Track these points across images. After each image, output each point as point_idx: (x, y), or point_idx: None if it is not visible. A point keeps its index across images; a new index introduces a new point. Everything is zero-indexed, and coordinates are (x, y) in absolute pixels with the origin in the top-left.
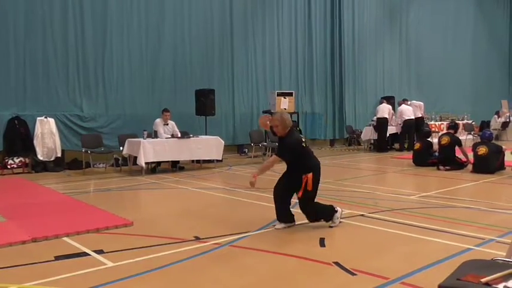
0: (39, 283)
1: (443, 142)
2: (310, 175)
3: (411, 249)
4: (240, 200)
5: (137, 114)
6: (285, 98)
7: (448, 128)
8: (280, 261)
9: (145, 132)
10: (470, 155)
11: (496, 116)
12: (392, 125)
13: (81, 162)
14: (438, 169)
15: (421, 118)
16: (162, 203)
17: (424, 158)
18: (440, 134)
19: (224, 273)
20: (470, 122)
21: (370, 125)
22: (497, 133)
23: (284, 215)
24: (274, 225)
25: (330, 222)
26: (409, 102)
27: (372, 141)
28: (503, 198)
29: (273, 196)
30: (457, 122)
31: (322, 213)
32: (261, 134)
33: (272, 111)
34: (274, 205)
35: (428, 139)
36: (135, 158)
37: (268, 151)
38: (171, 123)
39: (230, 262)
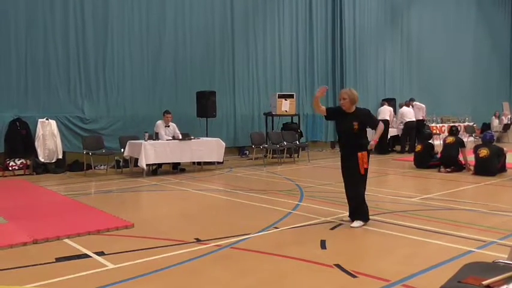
0: (40, 285)
1: (448, 141)
2: (365, 153)
3: (412, 252)
4: (241, 202)
5: (138, 116)
6: (286, 100)
7: (450, 132)
8: (281, 263)
9: (147, 134)
10: (471, 158)
11: (494, 116)
12: (393, 127)
13: (82, 164)
14: (439, 171)
15: (422, 120)
16: (163, 204)
17: (425, 160)
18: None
19: (225, 275)
20: (471, 124)
21: None
22: (499, 135)
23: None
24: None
25: (357, 222)
26: (414, 103)
27: None
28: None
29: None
30: (457, 125)
31: (363, 208)
32: (262, 136)
33: (273, 113)
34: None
35: (430, 141)
36: (136, 159)
37: (269, 153)
38: (172, 125)
39: (231, 264)
